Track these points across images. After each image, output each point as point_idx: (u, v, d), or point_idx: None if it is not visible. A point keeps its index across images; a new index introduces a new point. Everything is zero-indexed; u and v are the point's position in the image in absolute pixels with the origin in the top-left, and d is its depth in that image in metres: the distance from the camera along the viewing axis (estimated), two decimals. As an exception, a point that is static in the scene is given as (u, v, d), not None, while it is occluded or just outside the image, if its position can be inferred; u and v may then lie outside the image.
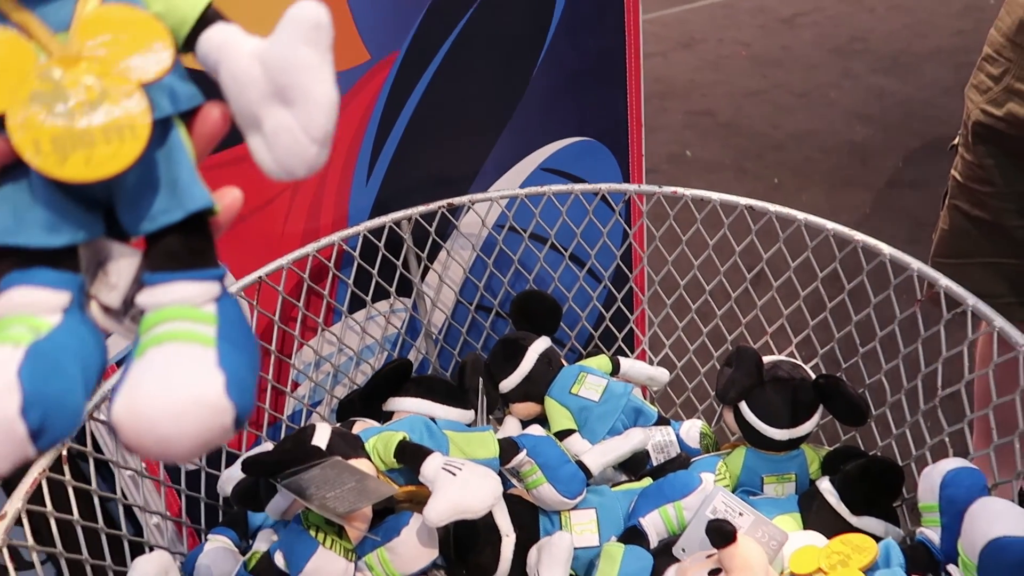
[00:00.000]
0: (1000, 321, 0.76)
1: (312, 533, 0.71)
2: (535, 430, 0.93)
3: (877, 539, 0.86)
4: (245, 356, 0.31)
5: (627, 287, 1.14)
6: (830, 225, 0.91)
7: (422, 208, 1.06)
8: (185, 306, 0.31)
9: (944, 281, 0.82)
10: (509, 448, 0.86)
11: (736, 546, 0.71)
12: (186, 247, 0.32)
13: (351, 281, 1.05)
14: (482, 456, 0.83)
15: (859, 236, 0.88)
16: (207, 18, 0.33)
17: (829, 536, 0.85)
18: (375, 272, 1.06)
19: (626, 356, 1.12)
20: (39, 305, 0.31)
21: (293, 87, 0.32)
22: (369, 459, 0.80)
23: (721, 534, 0.71)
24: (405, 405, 0.93)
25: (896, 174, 2.68)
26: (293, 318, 1.05)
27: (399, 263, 1.08)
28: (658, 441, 1.00)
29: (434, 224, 1.07)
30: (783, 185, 2.69)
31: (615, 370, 1.08)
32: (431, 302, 1.15)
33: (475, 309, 1.16)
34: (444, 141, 1.09)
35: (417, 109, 1.04)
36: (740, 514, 0.80)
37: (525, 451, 0.88)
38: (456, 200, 1.07)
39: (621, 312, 1.15)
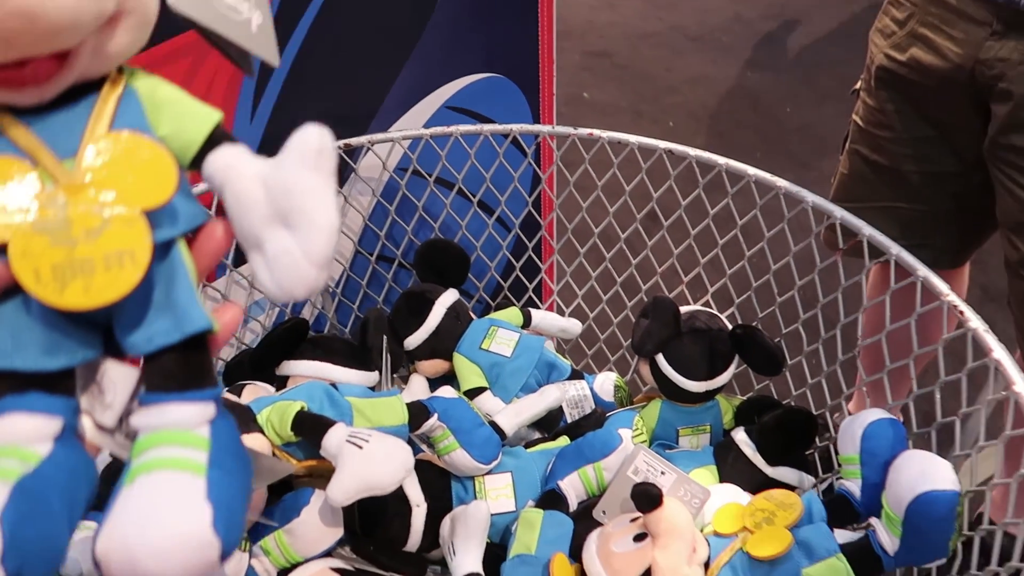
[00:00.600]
0: (896, 249, 0.76)
1: (199, 521, 0.62)
2: (446, 392, 0.87)
3: (792, 488, 0.86)
4: (236, 482, 0.32)
5: (538, 235, 1.08)
6: (751, 171, 0.88)
7: (315, 149, 0.95)
8: (179, 430, 0.32)
9: (839, 213, 0.81)
10: (419, 413, 0.79)
11: (662, 510, 0.68)
12: (183, 367, 0.32)
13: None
14: (390, 424, 0.76)
15: (781, 183, 0.86)
16: (214, 139, 0.34)
17: (746, 487, 0.84)
18: (262, 220, 0.95)
19: (537, 308, 1.07)
20: (30, 433, 0.31)
21: (295, 211, 0.32)
22: (262, 433, 0.71)
23: (647, 499, 0.68)
24: (301, 369, 0.84)
25: (785, 119, 2.73)
26: (169, 272, 0.93)
27: (290, 210, 0.97)
28: (572, 396, 0.96)
29: (329, 167, 0.97)
30: (678, 129, 2.70)
31: (526, 323, 1.03)
32: (327, 253, 1.05)
33: (376, 260, 1.07)
34: (339, 75, 0.98)
35: (307, 38, 0.93)
36: (662, 473, 0.77)
37: (436, 415, 0.81)
38: (354, 141, 0.97)
39: (531, 261, 1.09)
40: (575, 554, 0.74)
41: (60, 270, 0.30)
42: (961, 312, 0.68)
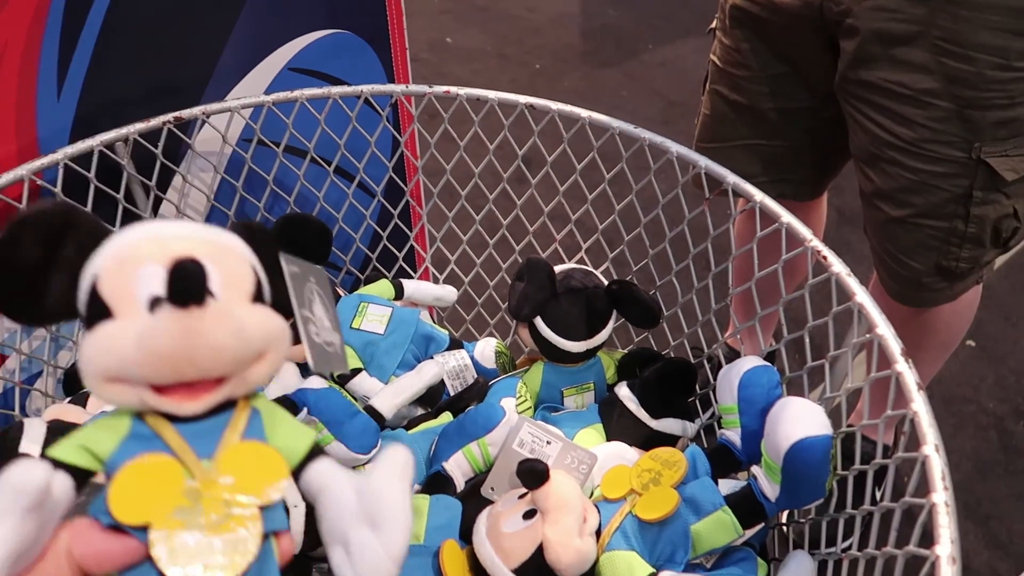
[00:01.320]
0: (760, 196, 0.76)
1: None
2: (314, 382, 0.81)
3: (676, 439, 0.87)
4: None
5: (403, 201, 1.03)
6: (615, 123, 0.85)
7: (141, 125, 0.85)
8: None
9: (703, 162, 0.80)
10: (287, 409, 0.74)
11: (549, 485, 0.66)
12: None
13: (57, 224, 0.83)
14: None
15: (645, 134, 0.84)
16: (312, 452, 0.44)
17: (633, 442, 0.84)
18: (88, 210, 0.84)
19: (409, 277, 1.02)
20: None
21: (381, 513, 0.41)
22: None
23: (533, 476, 0.66)
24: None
25: (648, 56, 2.75)
26: (-18, 277, 0.81)
27: (120, 196, 0.87)
28: (453, 367, 0.92)
29: (160, 144, 0.87)
30: (545, 70, 2.67)
31: (399, 294, 0.98)
32: (170, 238, 0.95)
33: (228, 241, 0.99)
34: (161, 37, 0.87)
35: (117, -3, 0.82)
36: (547, 442, 0.76)
37: (306, 409, 0.76)
38: (185, 113, 0.87)
39: (399, 229, 1.04)
40: (465, 536, 0.71)
41: (186, 551, 0.37)
42: (824, 257, 0.68)
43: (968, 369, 1.53)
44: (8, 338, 0.86)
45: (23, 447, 0.59)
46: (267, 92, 0.94)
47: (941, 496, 0.49)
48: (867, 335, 0.62)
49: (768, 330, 1.19)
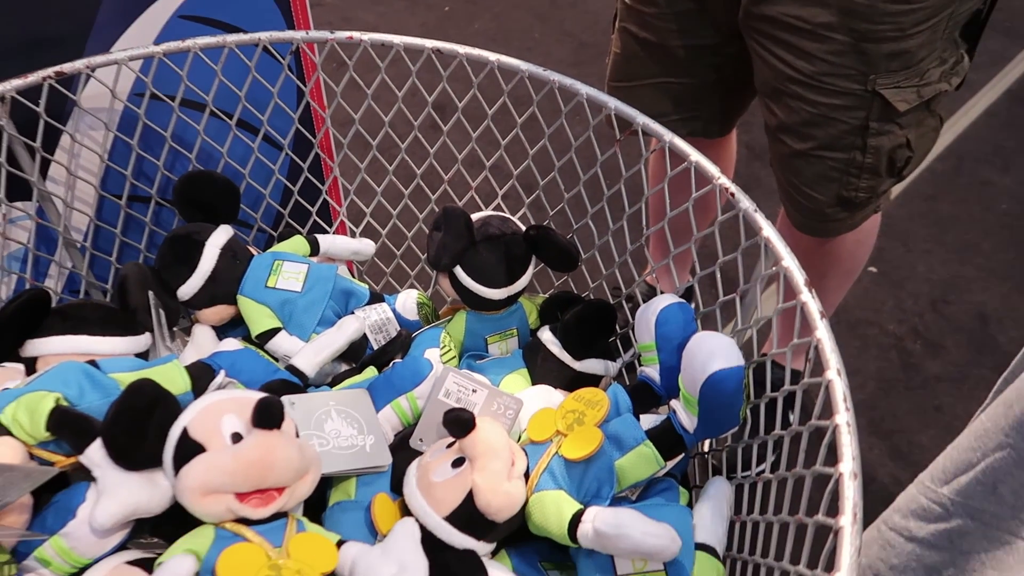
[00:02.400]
0: (669, 136, 0.77)
1: (-59, 559, 0.53)
2: (229, 344, 0.79)
3: (599, 379, 0.89)
4: None
5: (312, 153, 0.99)
6: (524, 66, 0.84)
7: (18, 81, 0.79)
8: None
9: (613, 103, 0.80)
10: (202, 375, 0.72)
11: (476, 432, 0.67)
12: None
13: (-67, 192, 0.77)
14: (169, 394, 0.68)
15: (555, 76, 0.83)
16: (340, 543, 0.63)
17: (557, 385, 0.86)
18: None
19: (324, 232, 1.00)
20: None
21: (403, 561, 0.62)
22: (10, 434, 0.61)
23: (460, 425, 0.66)
24: (51, 347, 0.72)
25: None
26: None
27: (1, 159, 0.81)
28: (375, 321, 0.91)
29: (42, 101, 0.81)
30: (455, 13, 2.60)
31: (314, 250, 0.95)
32: (63, 202, 0.90)
33: (127, 202, 0.94)
34: (32, -15, 0.81)
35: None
36: (473, 391, 0.76)
37: (223, 372, 0.74)
38: (67, 67, 0.81)
39: (310, 183, 1.00)
40: (396, 488, 0.72)
41: None
42: (732, 194, 0.70)
43: (870, 294, 1.61)
44: None
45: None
46: (156, 42, 0.88)
47: (843, 417, 0.51)
48: (773, 268, 0.65)
49: (683, 267, 1.21)
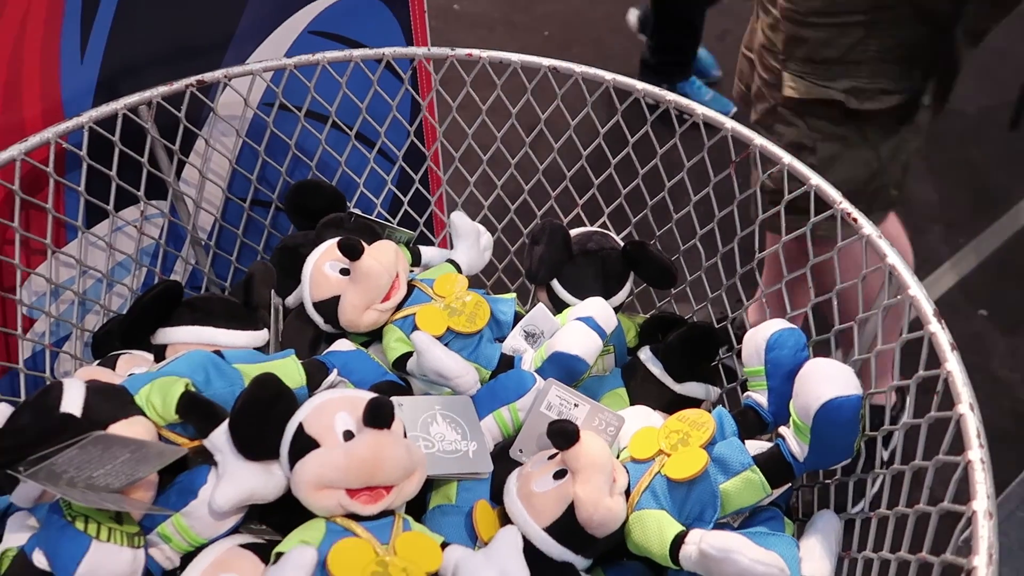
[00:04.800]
0: (788, 159, 0.75)
1: (80, 525, 0.56)
2: (342, 345, 0.82)
3: (699, 403, 0.88)
4: None
5: (424, 166, 1.02)
6: (639, 85, 0.85)
7: (164, 88, 0.85)
8: None
9: (729, 124, 0.80)
10: (317, 371, 0.75)
11: (580, 445, 0.66)
12: None
13: (82, 187, 0.83)
14: (287, 388, 0.71)
15: (670, 96, 0.83)
16: (443, 544, 0.63)
17: (656, 406, 0.85)
18: (113, 173, 0.85)
19: (429, 243, 1.02)
20: None
21: (505, 567, 0.61)
22: (143, 414, 0.65)
23: (564, 436, 0.66)
24: (180, 336, 0.76)
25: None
26: (9, 241, 0.82)
27: (144, 159, 0.87)
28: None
29: (183, 107, 0.87)
30: (554, 38, 2.64)
31: (416, 261, 0.98)
32: (193, 203, 0.95)
33: (250, 205, 0.99)
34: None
35: (138, -43, 0.81)
36: (575, 405, 0.76)
37: (335, 371, 0.77)
38: (208, 76, 0.87)
39: (420, 194, 1.03)
40: (496, 497, 0.72)
41: None
42: (855, 220, 0.68)
43: (979, 338, 1.54)
44: (37, 301, 0.86)
45: (64, 408, 0.59)
46: (287, 55, 0.93)
47: (977, 453, 0.49)
48: (898, 296, 0.63)
49: (794, 295, 1.20)
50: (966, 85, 2.14)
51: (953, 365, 0.55)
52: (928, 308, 0.59)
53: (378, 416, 0.61)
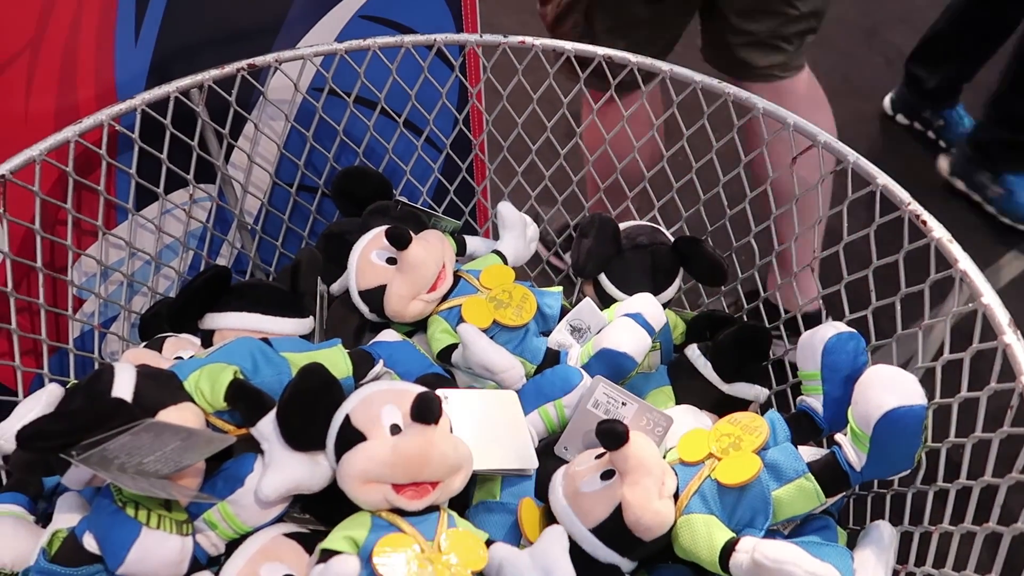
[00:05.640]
0: (853, 156, 0.72)
1: (130, 512, 0.56)
2: (388, 335, 0.81)
3: (748, 404, 0.85)
4: None
5: (471, 155, 1.01)
6: (698, 77, 0.82)
7: (216, 72, 0.85)
8: None
9: (792, 119, 0.77)
10: (363, 361, 0.74)
11: (629, 446, 0.65)
12: None
13: (133, 170, 0.83)
14: (334, 378, 0.70)
15: (731, 88, 0.80)
16: (488, 541, 0.63)
17: (703, 406, 0.83)
18: (164, 156, 0.85)
19: (474, 232, 1.01)
20: None
21: (551, 568, 0.60)
22: (192, 401, 0.64)
23: (613, 437, 0.65)
24: (228, 322, 0.76)
25: None
26: (62, 222, 0.82)
27: (194, 143, 0.87)
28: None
29: (234, 91, 0.86)
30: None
31: (461, 250, 0.97)
32: (240, 187, 0.95)
33: (296, 190, 0.98)
34: (233, -17, 0.86)
35: (192, -61, 0.80)
36: (623, 404, 0.75)
37: (382, 361, 0.76)
38: (259, 60, 0.86)
39: (466, 183, 1.02)
40: (540, 494, 0.71)
41: None
42: (924, 222, 0.65)
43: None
44: (86, 282, 0.87)
45: (115, 393, 0.59)
46: (338, 40, 0.92)
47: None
48: (969, 304, 0.60)
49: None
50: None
51: (1031, 381, 0.52)
52: (1003, 318, 0.57)
53: (426, 412, 0.60)
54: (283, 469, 0.61)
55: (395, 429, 0.61)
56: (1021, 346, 0.54)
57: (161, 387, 0.63)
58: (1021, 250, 1.63)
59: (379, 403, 0.63)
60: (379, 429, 0.61)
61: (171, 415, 0.61)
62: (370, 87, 0.92)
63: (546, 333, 0.87)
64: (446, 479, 0.62)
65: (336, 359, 0.71)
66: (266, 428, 0.62)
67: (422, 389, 0.63)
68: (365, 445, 0.60)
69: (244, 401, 0.63)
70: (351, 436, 0.61)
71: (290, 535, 0.65)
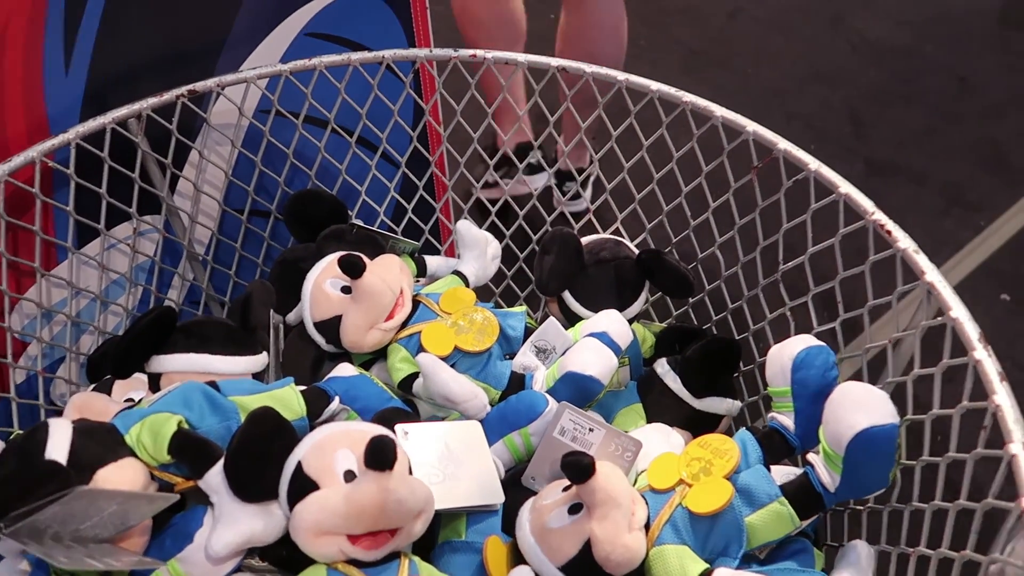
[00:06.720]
0: (815, 165, 0.71)
1: (64, 586, 0.53)
2: (344, 370, 0.78)
3: (720, 418, 0.84)
4: None
5: (428, 172, 0.98)
6: (655, 86, 0.80)
7: (154, 100, 0.81)
8: None
9: (751, 127, 0.75)
10: (317, 400, 0.71)
11: (596, 479, 0.63)
12: None
13: (71, 207, 0.79)
14: (286, 420, 0.67)
15: (688, 97, 0.78)
16: None
17: (674, 422, 0.81)
18: (103, 191, 0.81)
19: (435, 251, 0.98)
20: None
21: None
22: (135, 455, 0.61)
23: (579, 470, 0.62)
24: (175, 364, 0.73)
25: (667, 2, 2.64)
26: (-4, 264, 0.78)
27: (135, 175, 0.83)
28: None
29: (175, 119, 0.83)
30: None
31: (421, 271, 0.94)
32: (188, 217, 0.92)
33: (248, 217, 0.95)
34: (169, 4, 0.82)
35: (121, -38, 0.77)
36: (590, 430, 0.72)
37: (338, 398, 0.73)
38: (199, 85, 0.82)
39: (424, 201, 0.99)
40: (508, 526, 0.69)
41: None
42: (888, 232, 0.63)
43: (1002, 325, 1.48)
44: (27, 326, 0.83)
45: (49, 453, 0.56)
46: (283, 60, 0.89)
47: (1032, 502, 0.45)
48: (939, 318, 0.58)
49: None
50: (986, 59, 2.07)
51: (1003, 398, 0.50)
52: (973, 333, 0.55)
53: (379, 458, 0.56)
54: (234, 523, 0.58)
55: (349, 476, 0.58)
56: (992, 363, 0.53)
57: (99, 443, 0.59)
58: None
59: (332, 448, 0.59)
60: (332, 476, 0.58)
61: (111, 473, 0.58)
62: (319, 108, 0.89)
63: (511, 355, 0.84)
64: (406, 525, 0.59)
65: (288, 399, 0.68)
66: (214, 480, 0.59)
67: (378, 430, 0.60)
68: (317, 495, 0.57)
69: (189, 453, 0.60)
70: (304, 484, 0.58)
71: (247, 589, 0.62)
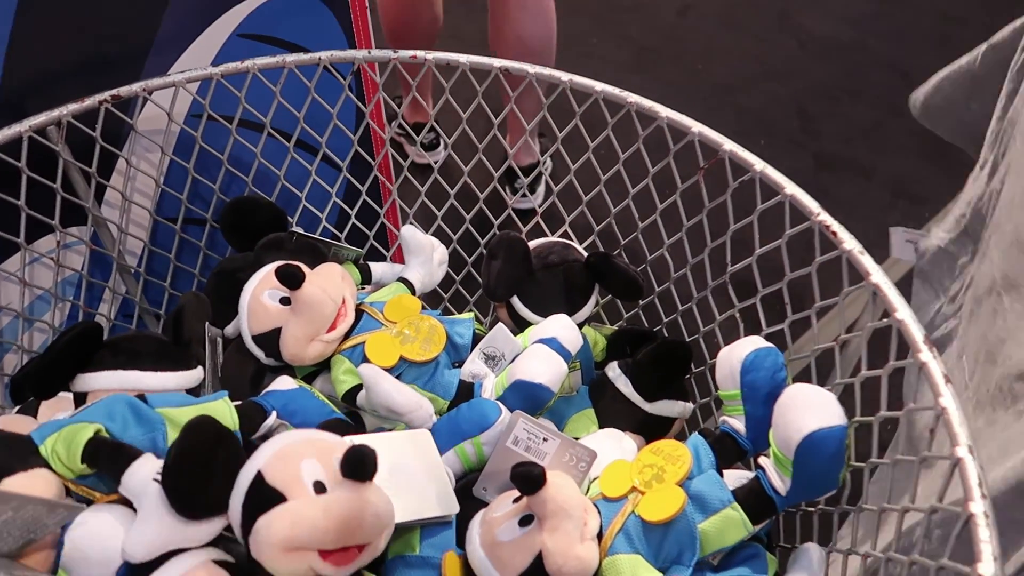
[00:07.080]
0: (760, 166, 0.70)
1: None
2: (283, 383, 0.75)
3: (672, 421, 0.83)
4: None
5: (371, 176, 0.95)
6: (599, 87, 0.78)
7: (75, 106, 0.77)
8: None
9: (696, 128, 0.74)
10: (253, 414, 0.68)
11: (546, 489, 0.61)
12: None
13: (-13, 220, 0.75)
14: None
15: (632, 98, 0.77)
16: None
17: (626, 427, 0.80)
18: (22, 203, 0.76)
19: (381, 257, 0.96)
20: None
21: None
22: (49, 467, 0.57)
23: (529, 481, 0.61)
24: (101, 382, 0.69)
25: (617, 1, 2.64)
26: (-93, 282, 0.74)
27: (57, 185, 0.79)
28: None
29: (98, 126, 0.79)
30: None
31: (366, 279, 0.91)
32: (117, 228, 0.87)
33: (182, 226, 0.91)
34: (88, 4, 0.78)
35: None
36: (544, 440, 0.70)
37: (275, 413, 0.70)
38: (124, 90, 0.78)
39: (368, 206, 0.96)
40: (461, 541, 0.67)
41: None
42: (834, 233, 0.63)
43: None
44: (-56, 347, 0.78)
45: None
46: (215, 63, 0.85)
47: (979, 506, 0.44)
48: (884, 320, 0.58)
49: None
50: (928, 54, 2.11)
51: (948, 401, 0.50)
52: (918, 334, 0.54)
53: (360, 468, 0.52)
54: (158, 521, 0.53)
55: (319, 487, 0.54)
56: (937, 364, 0.52)
57: (10, 452, 0.56)
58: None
59: (297, 457, 0.55)
60: (301, 487, 0.53)
61: (18, 482, 0.54)
62: (253, 112, 0.86)
63: (460, 363, 0.82)
64: (374, 540, 0.55)
65: (221, 413, 0.65)
66: (133, 480, 0.55)
67: (342, 441, 0.57)
68: (288, 507, 0.52)
69: (104, 457, 0.56)
70: (267, 496, 0.53)
71: (220, 563, 0.57)
